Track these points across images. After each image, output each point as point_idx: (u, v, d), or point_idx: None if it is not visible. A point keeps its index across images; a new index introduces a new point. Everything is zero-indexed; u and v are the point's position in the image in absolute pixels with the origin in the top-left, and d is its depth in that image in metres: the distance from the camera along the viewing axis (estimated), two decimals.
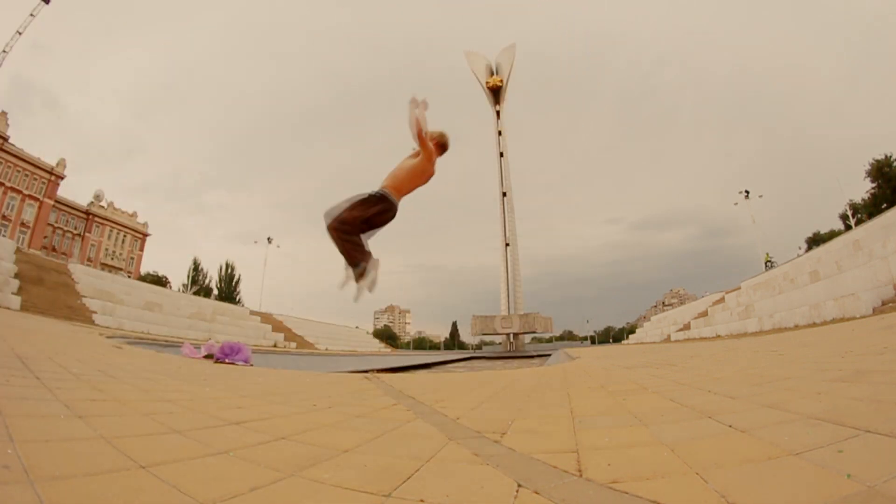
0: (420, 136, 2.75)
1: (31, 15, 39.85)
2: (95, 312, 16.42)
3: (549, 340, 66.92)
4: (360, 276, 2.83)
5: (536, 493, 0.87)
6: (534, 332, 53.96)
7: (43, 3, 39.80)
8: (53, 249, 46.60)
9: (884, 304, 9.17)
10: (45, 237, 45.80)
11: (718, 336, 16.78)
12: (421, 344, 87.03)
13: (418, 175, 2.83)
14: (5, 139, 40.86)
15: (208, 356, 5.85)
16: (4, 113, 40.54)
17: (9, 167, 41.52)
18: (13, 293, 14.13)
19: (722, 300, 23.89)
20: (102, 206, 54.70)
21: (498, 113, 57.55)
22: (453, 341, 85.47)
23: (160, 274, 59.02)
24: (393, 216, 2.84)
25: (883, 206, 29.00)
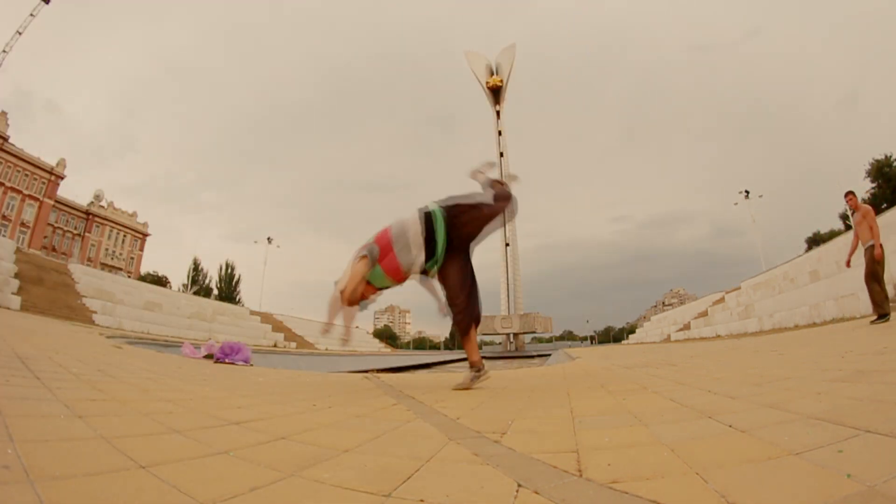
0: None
1: (32, 15, 39.85)
2: (95, 312, 16.41)
3: (549, 340, 66.96)
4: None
5: (536, 492, 0.87)
6: (534, 332, 53.93)
7: (43, 2, 39.78)
8: (53, 249, 46.60)
9: None
10: (45, 237, 45.80)
11: (718, 336, 16.79)
12: (421, 344, 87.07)
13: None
14: (5, 139, 40.84)
15: (208, 356, 5.85)
16: (4, 113, 40.52)
17: (9, 167, 41.50)
18: (13, 293, 14.14)
19: (722, 300, 23.89)
20: (102, 206, 54.71)
21: (498, 113, 57.52)
22: (453, 341, 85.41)
23: (160, 274, 58.98)
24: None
25: (883, 206, 28.99)
